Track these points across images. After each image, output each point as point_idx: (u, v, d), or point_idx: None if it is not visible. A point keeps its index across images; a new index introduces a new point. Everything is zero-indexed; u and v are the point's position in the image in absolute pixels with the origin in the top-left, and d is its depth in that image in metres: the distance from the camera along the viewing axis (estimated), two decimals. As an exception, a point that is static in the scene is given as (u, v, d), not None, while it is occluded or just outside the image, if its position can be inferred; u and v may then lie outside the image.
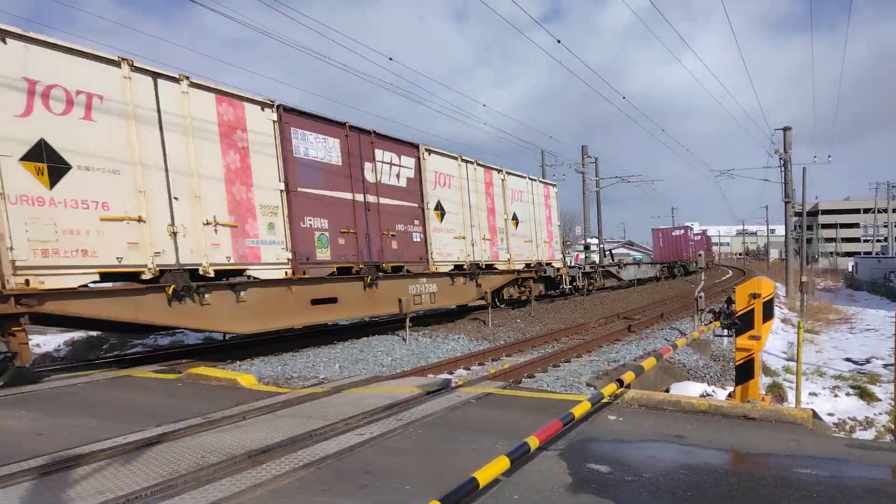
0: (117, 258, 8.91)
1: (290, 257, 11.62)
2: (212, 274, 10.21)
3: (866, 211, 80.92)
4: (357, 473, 4.13)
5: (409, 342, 13.42)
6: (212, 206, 10.28)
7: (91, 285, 8.67)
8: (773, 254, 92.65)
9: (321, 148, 12.67)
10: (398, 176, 14.94)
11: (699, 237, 66.19)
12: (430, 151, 16.06)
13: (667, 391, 9.35)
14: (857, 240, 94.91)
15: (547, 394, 7.30)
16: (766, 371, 12.06)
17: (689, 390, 9.03)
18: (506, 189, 20.17)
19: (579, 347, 13.30)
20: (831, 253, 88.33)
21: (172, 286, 9.47)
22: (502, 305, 20.96)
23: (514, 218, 20.68)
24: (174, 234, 9.68)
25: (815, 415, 6.11)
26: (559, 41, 17.75)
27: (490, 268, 18.71)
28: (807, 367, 12.91)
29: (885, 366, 13.59)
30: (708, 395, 9.19)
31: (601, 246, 46.41)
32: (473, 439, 4.96)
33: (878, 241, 72.33)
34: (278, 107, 11.65)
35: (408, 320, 14.13)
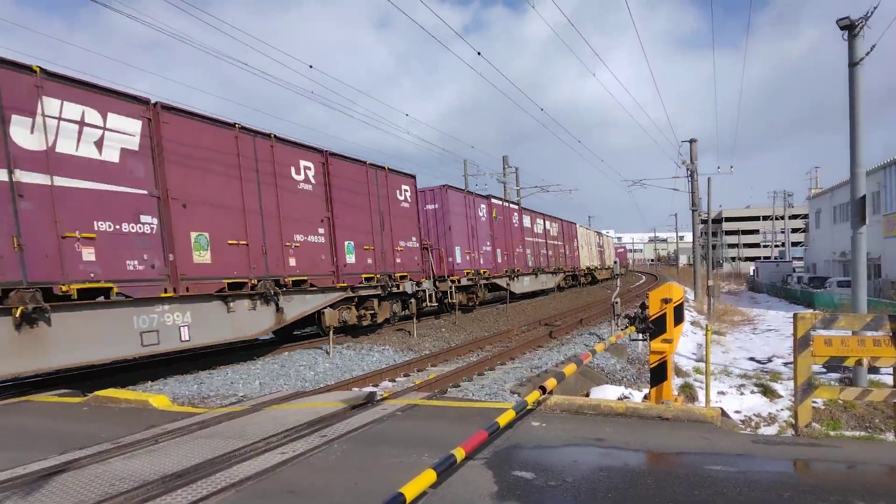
0: None
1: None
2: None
3: (765, 218, 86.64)
4: (280, 494, 4.00)
5: (333, 355, 13.20)
6: None
7: None
8: (682, 259, 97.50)
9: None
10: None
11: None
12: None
13: (587, 395, 9.61)
14: (757, 245, 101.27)
15: (472, 403, 7.34)
16: (679, 372, 12.63)
17: (608, 393, 9.32)
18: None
19: (503, 355, 13.48)
20: (734, 258, 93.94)
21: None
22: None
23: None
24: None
25: (723, 413, 6.45)
26: (479, 53, 18.06)
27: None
28: (715, 367, 13.62)
29: (786, 364, 14.53)
30: (625, 397, 9.51)
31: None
32: (400, 452, 4.91)
33: (777, 246, 77.57)
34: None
35: (331, 333, 13.89)
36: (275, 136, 13.32)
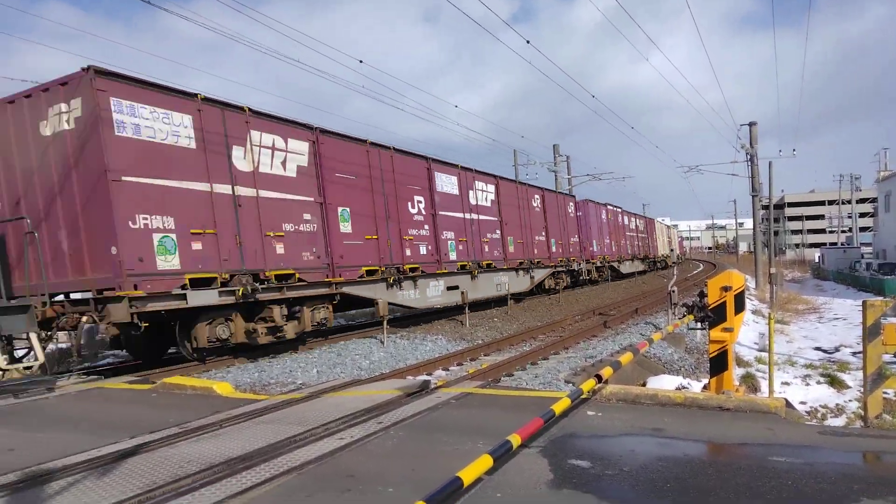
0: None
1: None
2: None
3: (831, 202, 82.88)
4: (339, 478, 4.10)
5: (387, 344, 13.38)
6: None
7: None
8: (742, 247, 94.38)
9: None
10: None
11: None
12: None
13: (643, 385, 9.45)
14: (822, 231, 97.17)
15: (526, 392, 7.33)
16: (739, 362, 12.27)
17: (665, 383, 9.13)
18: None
19: (556, 344, 13.39)
20: (798, 244, 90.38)
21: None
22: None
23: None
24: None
25: (787, 404, 6.24)
26: (528, 42, 17.86)
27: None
28: (778, 357, 13.17)
29: (854, 353, 13.93)
30: (683, 387, 9.31)
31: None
32: (455, 440, 4.96)
33: (843, 231, 74.16)
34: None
35: (385, 322, 14.08)
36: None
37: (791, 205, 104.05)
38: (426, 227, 17.08)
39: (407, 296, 16.02)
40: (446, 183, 18.35)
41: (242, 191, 11.34)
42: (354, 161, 14.51)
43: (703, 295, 7.27)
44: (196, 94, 10.73)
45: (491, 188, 21.19)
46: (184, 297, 10.04)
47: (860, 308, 6.64)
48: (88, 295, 9.66)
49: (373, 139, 15.11)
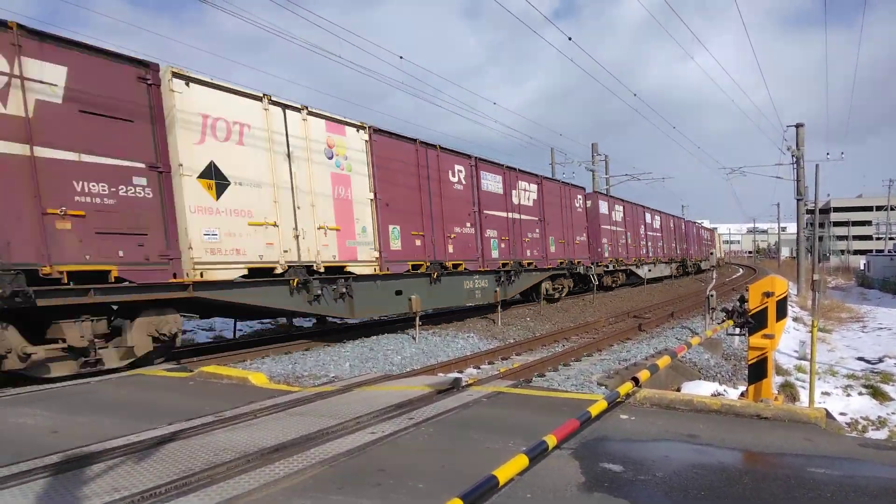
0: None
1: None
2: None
3: (879, 208, 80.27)
4: (371, 472, 4.13)
5: (419, 341, 13.44)
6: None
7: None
8: (784, 252, 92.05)
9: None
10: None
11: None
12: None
13: (678, 390, 9.31)
14: (869, 237, 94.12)
15: (558, 393, 7.28)
16: (779, 370, 11.99)
17: (701, 389, 8.99)
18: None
19: (589, 346, 13.27)
20: (842, 251, 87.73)
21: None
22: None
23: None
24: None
25: (828, 414, 6.07)
26: (570, 38, 17.70)
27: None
28: (819, 366, 12.82)
29: (899, 365, 13.48)
30: (719, 394, 9.14)
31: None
32: (486, 438, 4.95)
33: (891, 238, 71.68)
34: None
35: (417, 319, 14.14)
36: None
37: (837, 210, 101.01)
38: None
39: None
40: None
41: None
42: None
43: (743, 300, 7.11)
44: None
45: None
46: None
47: (908, 318, 6.41)
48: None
49: (411, 134, 15.20)
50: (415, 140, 15.26)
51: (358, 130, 13.36)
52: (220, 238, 10.24)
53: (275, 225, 11.23)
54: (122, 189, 8.96)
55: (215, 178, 10.25)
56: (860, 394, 11.04)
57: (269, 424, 5.56)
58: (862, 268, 55.31)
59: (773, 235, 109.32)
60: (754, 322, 6.87)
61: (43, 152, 8.09)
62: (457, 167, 17.01)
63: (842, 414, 9.72)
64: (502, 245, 18.93)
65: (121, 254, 8.91)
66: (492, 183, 18.70)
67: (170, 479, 4.03)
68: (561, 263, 22.85)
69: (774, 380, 9.46)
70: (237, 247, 10.56)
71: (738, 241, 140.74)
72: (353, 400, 6.56)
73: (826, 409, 6.41)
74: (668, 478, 4.02)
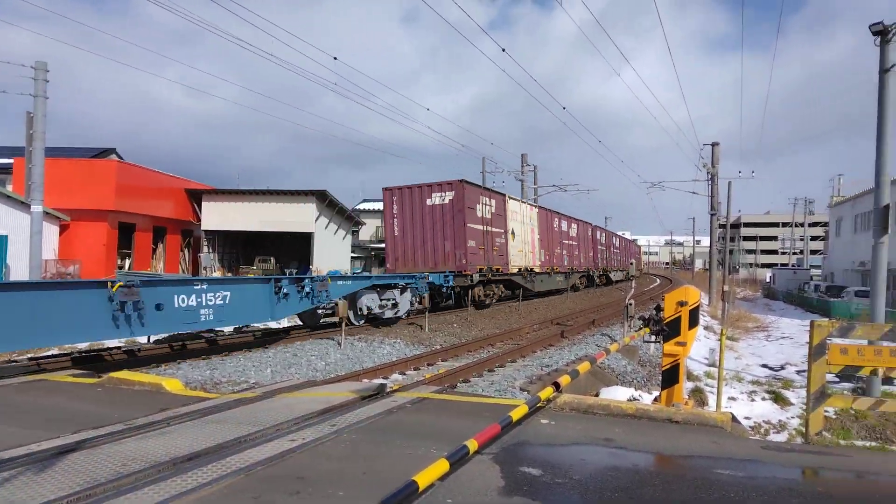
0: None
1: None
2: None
3: (784, 225, 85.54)
4: (289, 480, 4.04)
5: (345, 346, 13.27)
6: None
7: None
8: (698, 263, 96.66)
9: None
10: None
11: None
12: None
13: (597, 395, 9.59)
14: (775, 252, 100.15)
15: (482, 398, 7.36)
16: (690, 376, 12.55)
17: (618, 394, 9.29)
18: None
19: (514, 352, 13.48)
20: (751, 264, 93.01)
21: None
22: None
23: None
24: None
25: (733, 418, 6.41)
26: (504, 49, 18.01)
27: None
28: (727, 372, 13.51)
29: (798, 372, 14.39)
30: (635, 399, 9.48)
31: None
32: (409, 444, 4.94)
33: (795, 253, 76.66)
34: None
35: (343, 325, 13.97)
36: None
37: (747, 225, 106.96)
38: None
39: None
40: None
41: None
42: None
43: (659, 309, 7.41)
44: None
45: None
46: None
47: (807, 328, 6.87)
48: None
49: (344, 138, 15.28)
50: (503, 195, 26.07)
51: (531, 208, 30.06)
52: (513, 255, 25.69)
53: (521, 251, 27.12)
54: (498, 240, 24.59)
55: (513, 232, 26.10)
56: (763, 399, 11.71)
57: (183, 432, 5.34)
58: (768, 280, 58.90)
59: (689, 248, 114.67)
60: (669, 330, 7.18)
61: (489, 228, 23.79)
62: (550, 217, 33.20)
63: (746, 418, 10.27)
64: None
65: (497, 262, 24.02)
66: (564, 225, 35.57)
67: (72, 491, 3.80)
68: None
69: (685, 385, 9.90)
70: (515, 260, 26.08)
71: (657, 253, 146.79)
72: (274, 406, 6.40)
73: (732, 414, 6.76)
74: (585, 480, 4.14)
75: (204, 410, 6.16)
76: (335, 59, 17.50)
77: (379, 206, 58.74)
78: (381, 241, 55.54)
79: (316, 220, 36.75)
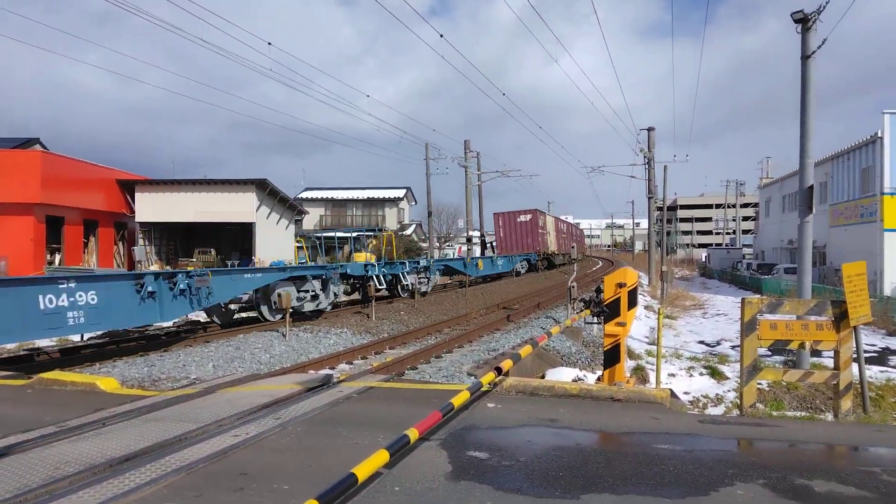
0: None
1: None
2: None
3: (718, 206, 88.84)
4: (232, 476, 3.95)
5: (289, 338, 13.07)
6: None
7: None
8: (638, 245, 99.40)
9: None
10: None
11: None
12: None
13: (542, 377, 9.76)
14: (710, 232, 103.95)
15: (429, 385, 7.38)
16: (632, 355, 12.93)
17: (563, 375, 9.49)
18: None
19: (461, 338, 13.57)
20: (688, 244, 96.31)
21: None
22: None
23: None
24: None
25: (672, 394, 6.64)
26: (442, 35, 17.94)
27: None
28: (666, 350, 13.99)
29: (733, 347, 15.02)
30: (580, 379, 9.70)
31: (483, 238, 47.68)
32: (355, 434, 4.91)
33: (728, 233, 79.77)
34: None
35: (288, 315, 13.74)
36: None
37: (683, 207, 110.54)
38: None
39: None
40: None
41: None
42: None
43: (599, 291, 7.58)
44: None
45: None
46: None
47: (740, 305, 7.16)
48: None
49: (282, 125, 14.86)
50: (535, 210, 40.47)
51: (547, 216, 47.18)
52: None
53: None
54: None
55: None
56: (701, 374, 12.18)
57: (120, 432, 5.14)
58: (704, 260, 61.15)
59: (629, 230, 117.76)
60: (609, 311, 7.36)
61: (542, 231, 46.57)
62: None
63: (686, 393, 10.66)
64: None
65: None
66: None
67: (2, 499, 3.62)
68: None
69: (627, 364, 10.20)
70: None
71: (598, 236, 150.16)
72: (216, 402, 6.24)
73: (671, 390, 7.00)
74: (530, 462, 4.20)
75: (141, 409, 5.95)
76: (269, 44, 17.06)
77: (323, 193, 58.15)
78: (325, 230, 54.92)
79: (257, 210, 35.88)
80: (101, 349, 11.70)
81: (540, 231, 44.46)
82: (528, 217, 44.42)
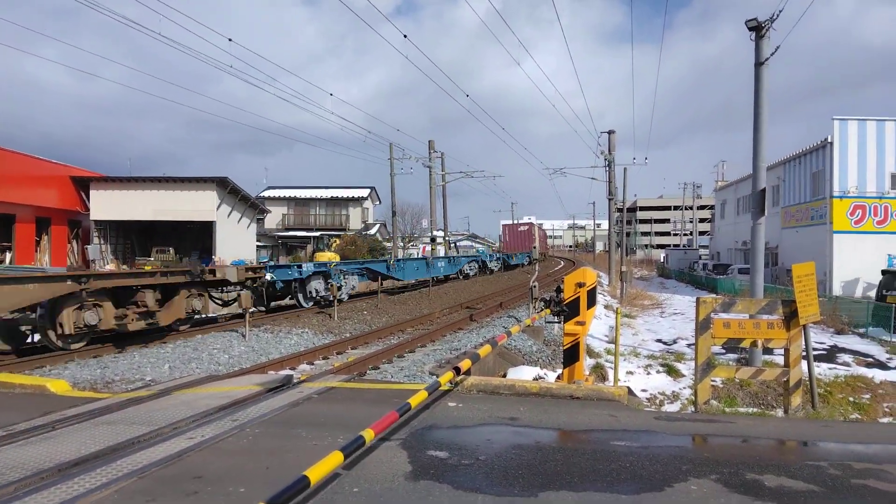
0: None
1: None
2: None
3: (676, 208, 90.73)
4: (186, 479, 3.87)
5: (249, 338, 12.87)
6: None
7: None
8: (599, 246, 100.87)
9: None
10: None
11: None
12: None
13: (504, 376, 9.82)
14: (668, 234, 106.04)
15: (390, 385, 7.36)
16: (591, 353, 13.11)
17: (524, 374, 9.55)
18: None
19: (424, 337, 13.56)
20: (647, 245, 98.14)
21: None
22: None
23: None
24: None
25: (630, 391, 6.76)
26: (406, 36, 17.89)
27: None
28: (624, 348, 14.23)
29: (689, 345, 15.36)
30: (541, 377, 9.78)
31: (447, 238, 47.72)
32: (315, 435, 4.86)
33: (685, 234, 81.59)
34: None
35: (247, 315, 13.52)
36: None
37: (643, 208, 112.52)
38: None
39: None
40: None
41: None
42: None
43: (559, 290, 7.66)
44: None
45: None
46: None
47: (695, 304, 7.33)
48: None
49: (245, 123, 14.47)
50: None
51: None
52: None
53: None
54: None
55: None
56: (658, 372, 12.42)
57: (70, 436, 5.00)
58: (662, 260, 62.39)
59: (590, 231, 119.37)
60: (568, 310, 7.45)
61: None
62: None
63: (643, 390, 10.86)
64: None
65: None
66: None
67: (-62, 509, 3.48)
68: None
69: (587, 362, 10.34)
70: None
71: (560, 236, 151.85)
72: (172, 404, 6.11)
73: (628, 387, 7.13)
74: (490, 460, 4.23)
75: (93, 412, 5.79)
76: (230, 40, 16.75)
77: (286, 192, 57.38)
78: (288, 229, 54.21)
79: (217, 208, 35.24)
80: (52, 350, 11.31)
81: (532, 236, 54.52)
82: (526, 228, 57.88)
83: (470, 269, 35.55)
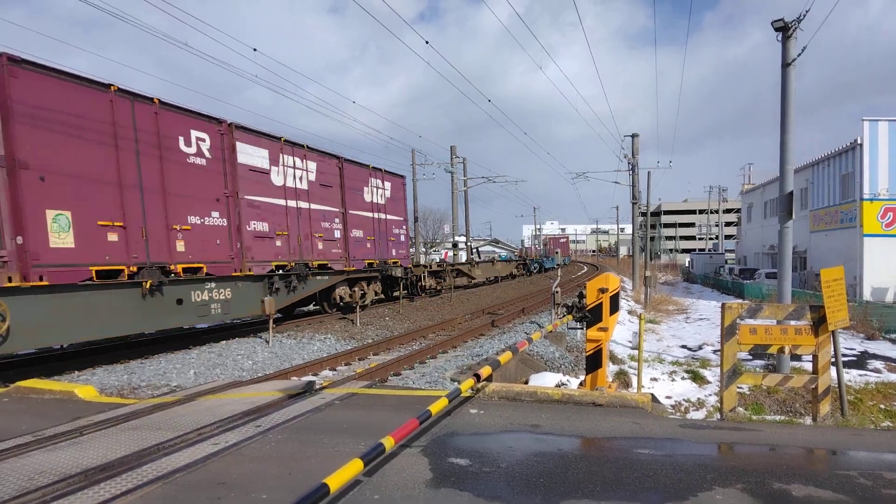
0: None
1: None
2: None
3: (701, 212, 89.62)
4: (210, 485, 3.90)
5: (273, 344, 12.97)
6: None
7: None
8: (622, 251, 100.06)
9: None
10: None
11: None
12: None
13: (526, 382, 9.76)
14: (693, 238, 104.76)
15: (411, 391, 7.35)
16: (614, 359, 12.98)
17: (546, 381, 9.49)
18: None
19: (445, 343, 13.55)
20: (671, 250, 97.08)
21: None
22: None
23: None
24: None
25: (654, 399, 6.67)
26: (427, 42, 17.98)
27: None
28: (648, 354, 14.07)
29: (714, 351, 15.13)
30: (563, 384, 9.71)
31: (469, 244, 47.70)
32: (337, 441, 4.88)
33: (711, 238, 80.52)
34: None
35: (271, 321, 13.64)
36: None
37: (667, 212, 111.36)
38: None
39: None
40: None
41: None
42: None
43: (581, 296, 7.60)
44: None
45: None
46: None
47: (720, 309, 7.22)
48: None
49: (266, 130, 14.45)
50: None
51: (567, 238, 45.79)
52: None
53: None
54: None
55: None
56: (683, 378, 12.25)
57: (96, 442, 5.08)
58: (687, 265, 61.61)
59: (614, 236, 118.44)
60: (591, 316, 7.38)
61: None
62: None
63: (668, 397, 10.73)
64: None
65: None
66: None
67: (-31, 512, 3.55)
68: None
69: (610, 369, 10.24)
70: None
71: (584, 241, 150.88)
72: (196, 410, 6.18)
73: (652, 394, 7.03)
74: (511, 468, 4.20)
75: (120, 417, 5.88)
76: (255, 50, 16.99)
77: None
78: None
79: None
80: (82, 357, 11.54)
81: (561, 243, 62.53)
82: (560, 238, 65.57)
83: (532, 268, 47.13)
